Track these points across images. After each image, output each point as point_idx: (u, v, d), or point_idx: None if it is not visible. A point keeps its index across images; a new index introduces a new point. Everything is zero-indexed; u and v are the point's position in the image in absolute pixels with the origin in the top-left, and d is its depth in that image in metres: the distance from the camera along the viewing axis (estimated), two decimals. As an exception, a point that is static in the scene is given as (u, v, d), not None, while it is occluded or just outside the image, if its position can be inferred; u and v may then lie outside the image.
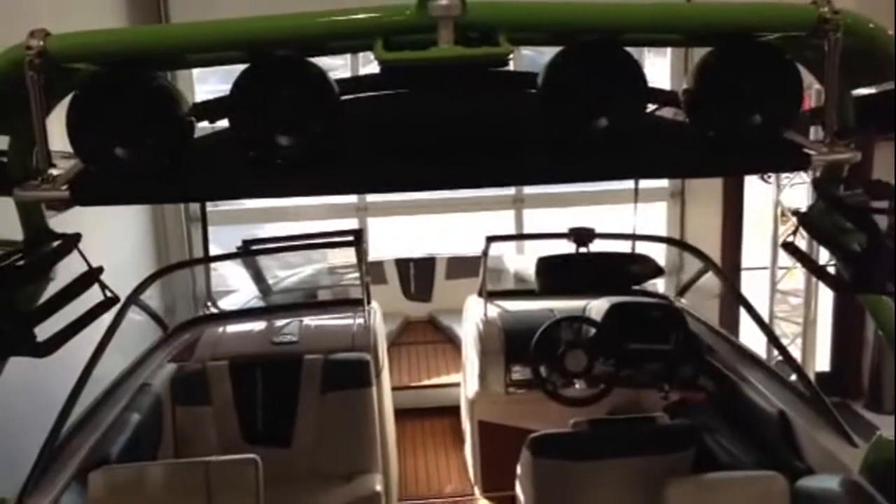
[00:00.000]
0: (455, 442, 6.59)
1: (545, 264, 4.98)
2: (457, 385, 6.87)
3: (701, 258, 5.00)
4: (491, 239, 5.70)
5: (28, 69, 2.20)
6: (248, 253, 5.36)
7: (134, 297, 4.82)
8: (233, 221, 8.46)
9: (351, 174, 2.50)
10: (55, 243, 2.56)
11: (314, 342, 5.26)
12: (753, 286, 8.73)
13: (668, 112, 2.71)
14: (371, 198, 9.37)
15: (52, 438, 3.76)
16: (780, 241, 2.68)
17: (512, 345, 5.46)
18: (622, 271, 5.07)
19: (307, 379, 5.04)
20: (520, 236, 5.76)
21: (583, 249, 4.97)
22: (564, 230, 5.16)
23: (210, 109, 2.51)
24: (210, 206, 8.21)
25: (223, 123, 2.57)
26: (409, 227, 10.59)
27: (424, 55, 2.21)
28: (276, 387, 5.06)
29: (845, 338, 8.70)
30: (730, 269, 8.42)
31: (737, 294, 4.57)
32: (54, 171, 2.43)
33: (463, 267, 8.64)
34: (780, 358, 5.31)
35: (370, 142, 2.50)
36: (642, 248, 5.64)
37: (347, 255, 8.67)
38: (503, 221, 9.72)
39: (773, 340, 4.60)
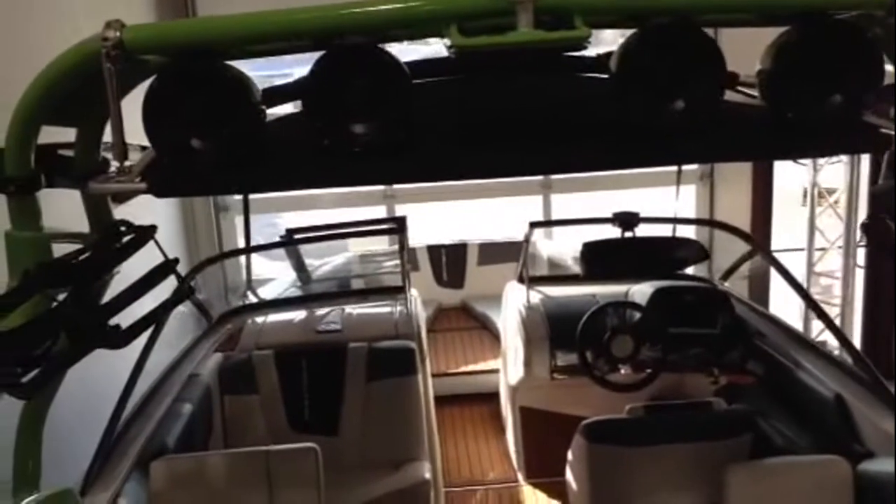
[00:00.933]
0: (496, 429, 6.59)
1: (591, 249, 4.95)
2: (495, 372, 6.87)
3: (748, 241, 4.96)
4: (535, 225, 5.68)
5: (105, 60, 2.20)
6: (292, 242, 5.36)
7: (184, 288, 4.83)
8: (255, 210, 8.47)
9: (426, 162, 2.48)
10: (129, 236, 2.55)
11: (358, 330, 5.27)
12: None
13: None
14: (399, 185, 9.37)
15: (111, 429, 3.78)
16: (860, 222, 2.63)
17: (556, 331, 5.44)
18: (668, 255, 5.03)
19: (352, 367, 5.05)
20: (563, 221, 5.74)
21: (628, 234, 4.93)
22: (598, 215, 5.13)
23: (282, 95, 2.49)
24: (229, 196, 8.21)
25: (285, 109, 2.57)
26: (436, 215, 10.59)
27: (503, 40, 2.19)
28: (322, 375, 5.07)
29: (876, 318, 8.63)
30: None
31: (789, 277, 4.52)
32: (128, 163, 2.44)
33: (495, 253, 8.64)
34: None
35: (443, 128, 2.48)
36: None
37: (376, 243, 8.72)
38: (532, 207, 9.72)
39: (827, 322, 4.56)
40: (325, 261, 7.35)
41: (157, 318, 2.57)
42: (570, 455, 4.58)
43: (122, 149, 2.39)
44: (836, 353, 4.61)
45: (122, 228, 2.53)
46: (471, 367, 7.31)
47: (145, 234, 2.52)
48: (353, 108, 2.33)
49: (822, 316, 4.64)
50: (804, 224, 8.75)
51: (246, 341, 5.31)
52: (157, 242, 2.56)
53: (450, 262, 8.70)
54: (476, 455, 6.25)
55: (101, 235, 2.56)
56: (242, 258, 6.56)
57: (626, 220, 4.96)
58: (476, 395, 6.95)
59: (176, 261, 2.59)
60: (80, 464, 3.63)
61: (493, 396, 6.83)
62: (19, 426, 2.95)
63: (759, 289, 8.03)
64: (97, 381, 4.10)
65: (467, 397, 6.91)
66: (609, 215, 5.04)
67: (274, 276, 7.41)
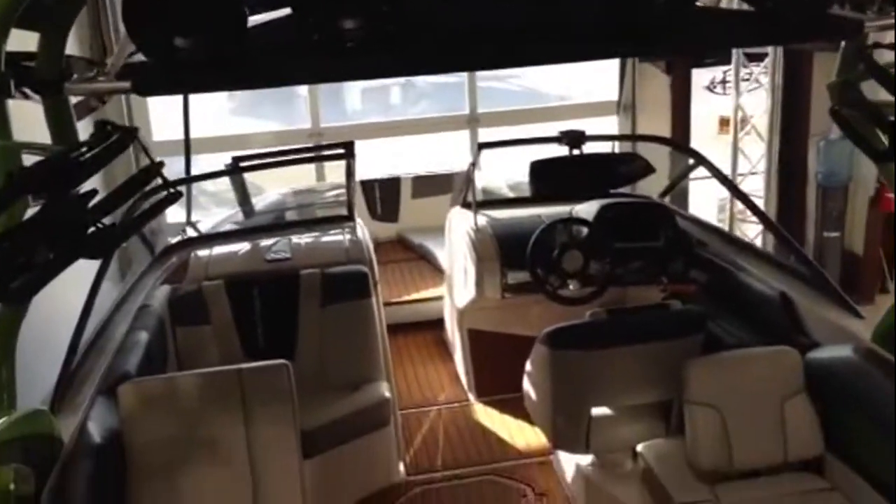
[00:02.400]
0: (443, 355, 6.69)
1: (540, 167, 5.01)
2: (438, 299, 6.95)
3: (692, 155, 5.11)
4: (483, 146, 5.71)
5: None
6: (238, 170, 5.25)
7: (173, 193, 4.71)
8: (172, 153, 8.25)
9: (415, 55, 2.48)
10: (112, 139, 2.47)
11: (308, 258, 5.23)
12: (700, 194, 9.01)
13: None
14: (325, 124, 9.29)
15: (70, 358, 3.71)
16: (829, 109, 2.76)
17: (506, 251, 5.53)
18: (615, 171, 5.15)
19: (306, 293, 5.03)
20: (512, 142, 5.77)
21: (575, 151, 5.02)
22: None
23: None
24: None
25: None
26: (367, 152, 10.51)
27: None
28: (275, 303, 5.04)
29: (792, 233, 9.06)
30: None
31: (731, 186, 4.71)
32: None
33: (428, 186, 8.68)
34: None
35: (433, 22, 2.48)
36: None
37: (307, 178, 8.63)
38: (458, 141, 9.76)
39: (766, 222, 4.76)
40: (258, 198, 7.24)
41: (144, 222, 2.51)
42: (528, 366, 4.70)
43: (102, 49, 2.32)
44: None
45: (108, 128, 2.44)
46: (413, 296, 7.36)
47: (127, 135, 2.44)
48: (345, 3, 2.30)
49: (760, 216, 4.81)
50: (721, 151, 9.05)
51: (193, 273, 5.21)
52: (141, 144, 2.49)
53: (384, 196, 8.68)
54: (426, 380, 6.34)
55: (90, 136, 2.47)
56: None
57: (574, 138, 5.04)
58: (421, 324, 7.02)
59: (161, 164, 2.53)
60: (38, 393, 3.55)
61: (437, 324, 6.92)
62: (-9, 345, 2.86)
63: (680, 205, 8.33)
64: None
65: (412, 326, 6.97)
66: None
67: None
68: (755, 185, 8.82)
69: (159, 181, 2.66)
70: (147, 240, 5.26)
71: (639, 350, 4.20)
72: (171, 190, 2.52)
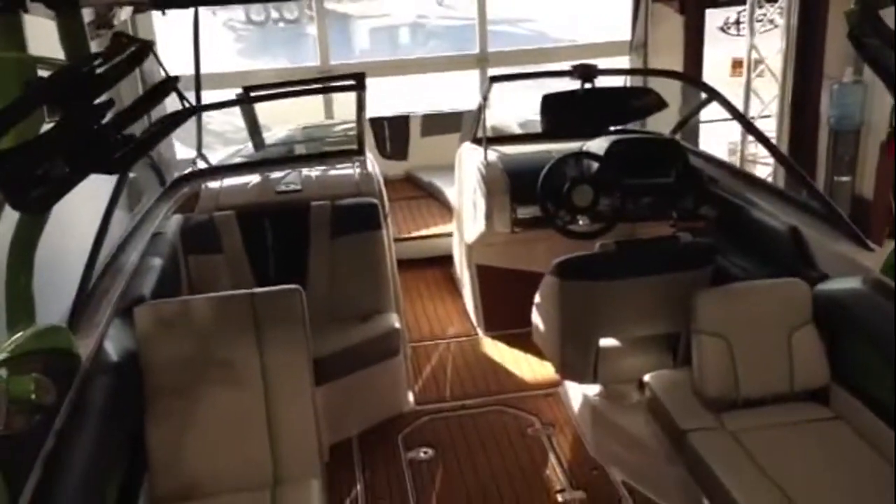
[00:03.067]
0: (451, 291, 6.73)
1: (551, 101, 4.99)
2: (448, 236, 6.97)
3: (705, 90, 5.07)
4: (494, 79, 5.66)
5: None
6: (249, 100, 5.22)
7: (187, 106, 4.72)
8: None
9: None
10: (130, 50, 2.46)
11: (318, 190, 5.24)
12: (710, 137, 8.97)
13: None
14: (333, 61, 9.25)
15: (86, 279, 3.75)
16: (847, 34, 2.73)
17: (516, 185, 5.53)
18: (626, 105, 5.12)
19: (316, 225, 5.05)
20: (524, 75, 5.72)
21: (587, 85, 4.99)
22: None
23: None
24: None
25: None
26: (375, 91, 10.45)
27: None
28: (286, 233, 5.07)
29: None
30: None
31: (744, 120, 4.68)
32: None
33: (437, 124, 8.65)
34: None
35: None
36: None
37: (316, 118, 8.59)
38: (468, 81, 9.70)
39: (780, 158, 4.74)
40: (268, 134, 7.22)
41: (155, 141, 2.52)
42: (537, 297, 4.74)
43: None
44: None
45: (124, 40, 2.43)
46: (423, 232, 7.39)
47: (144, 47, 2.44)
48: None
49: (776, 153, 4.80)
50: (733, 94, 8.96)
51: (205, 204, 5.23)
52: (156, 56, 2.48)
53: (393, 134, 8.65)
54: (434, 315, 6.40)
55: (107, 47, 2.46)
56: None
57: (586, 71, 5.00)
58: (430, 260, 7.06)
59: (176, 79, 2.53)
60: (55, 312, 3.60)
61: (446, 260, 6.95)
62: (9, 259, 2.90)
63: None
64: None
65: (421, 262, 7.01)
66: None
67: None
68: (767, 128, 8.76)
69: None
70: (158, 170, 5.27)
71: (648, 281, 4.23)
72: (187, 104, 2.52)
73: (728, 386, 3.81)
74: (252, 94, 5.15)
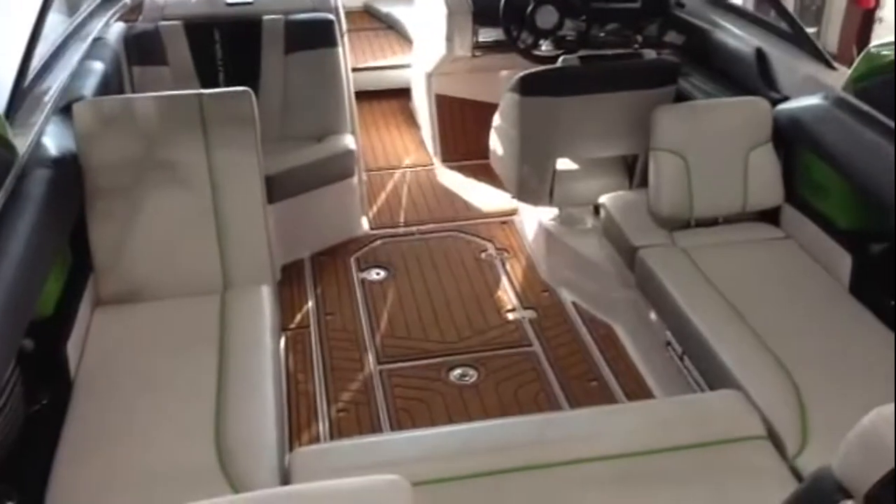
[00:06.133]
0: (409, 122, 6.59)
1: None
2: (406, 66, 6.76)
3: None
4: None
5: None
6: None
7: None
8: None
9: None
10: None
11: (271, 4, 4.98)
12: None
13: None
14: None
15: (21, 77, 3.54)
16: None
17: (478, 6, 5.32)
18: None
19: (269, 39, 4.83)
20: None
21: None
22: None
23: None
24: None
25: None
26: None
27: None
28: (236, 47, 4.85)
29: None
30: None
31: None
32: None
33: (398, -47, 8.24)
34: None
35: None
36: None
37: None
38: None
39: None
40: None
41: None
42: (496, 119, 4.64)
43: None
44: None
45: None
46: (380, 63, 7.15)
47: None
48: None
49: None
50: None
51: (149, 14, 4.96)
52: None
53: (351, -38, 8.23)
54: (391, 145, 6.27)
55: None
56: None
57: None
58: (386, 92, 6.86)
59: None
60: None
61: (403, 93, 6.77)
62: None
63: None
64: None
65: (377, 93, 6.80)
66: None
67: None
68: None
69: None
70: (98, -27, 4.95)
71: (610, 98, 4.14)
72: None
73: (682, 203, 3.81)
74: None
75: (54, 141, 3.31)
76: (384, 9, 7.95)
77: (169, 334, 3.22)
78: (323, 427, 3.64)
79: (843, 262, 3.46)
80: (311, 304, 4.48)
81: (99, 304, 3.40)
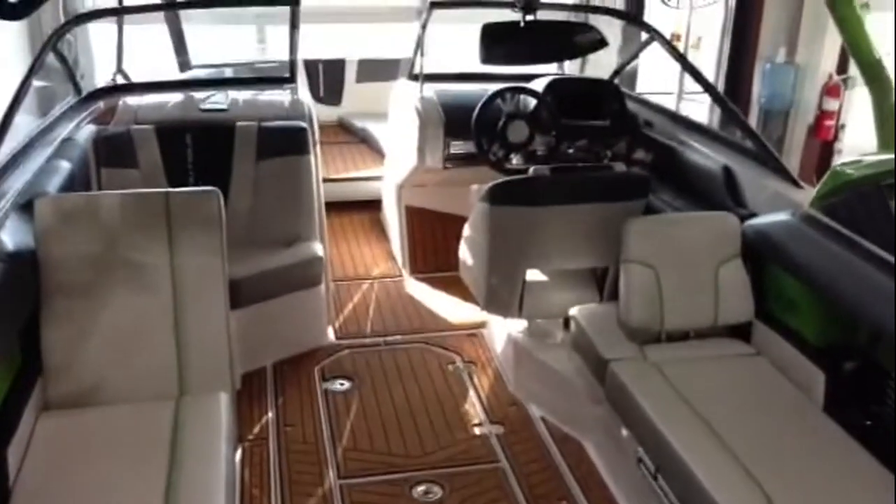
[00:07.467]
0: (378, 234, 6.58)
1: (491, 31, 4.84)
2: (377, 179, 6.81)
3: (646, 29, 4.99)
4: (435, 5, 5.49)
5: None
6: (174, 5, 4.93)
7: (51, 46, 4.41)
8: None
9: None
10: None
11: (245, 111, 5.01)
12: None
13: None
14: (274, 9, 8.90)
15: None
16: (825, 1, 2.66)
17: (450, 119, 5.39)
18: (567, 40, 5.01)
19: (241, 144, 4.84)
20: (463, 2, 5.59)
21: (529, 17, 4.86)
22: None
23: None
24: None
25: None
26: (311, 37, 10.16)
27: None
28: (208, 153, 4.84)
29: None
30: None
31: (684, 61, 4.64)
32: None
33: (373, 70, 8.46)
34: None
35: None
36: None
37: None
38: (407, 32, 9.48)
39: (715, 96, 4.72)
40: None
41: None
42: (466, 229, 4.63)
43: None
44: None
45: None
46: (352, 174, 7.19)
47: None
48: None
49: (712, 91, 4.76)
50: (671, 68, 8.96)
51: (122, 117, 4.95)
52: None
53: (327, 78, 8.42)
54: (360, 256, 6.23)
55: None
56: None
57: (527, 3, 4.87)
58: (358, 203, 6.88)
59: None
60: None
61: (374, 204, 6.79)
62: None
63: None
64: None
65: (348, 205, 6.81)
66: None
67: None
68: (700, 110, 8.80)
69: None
70: (75, 81, 4.97)
71: (581, 210, 4.15)
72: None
73: (653, 316, 3.76)
74: None
75: (11, 237, 3.21)
76: (358, 123, 8.09)
77: (117, 442, 3.04)
78: (278, 546, 3.43)
79: (817, 380, 3.41)
80: (270, 414, 4.30)
81: (46, 407, 3.23)
